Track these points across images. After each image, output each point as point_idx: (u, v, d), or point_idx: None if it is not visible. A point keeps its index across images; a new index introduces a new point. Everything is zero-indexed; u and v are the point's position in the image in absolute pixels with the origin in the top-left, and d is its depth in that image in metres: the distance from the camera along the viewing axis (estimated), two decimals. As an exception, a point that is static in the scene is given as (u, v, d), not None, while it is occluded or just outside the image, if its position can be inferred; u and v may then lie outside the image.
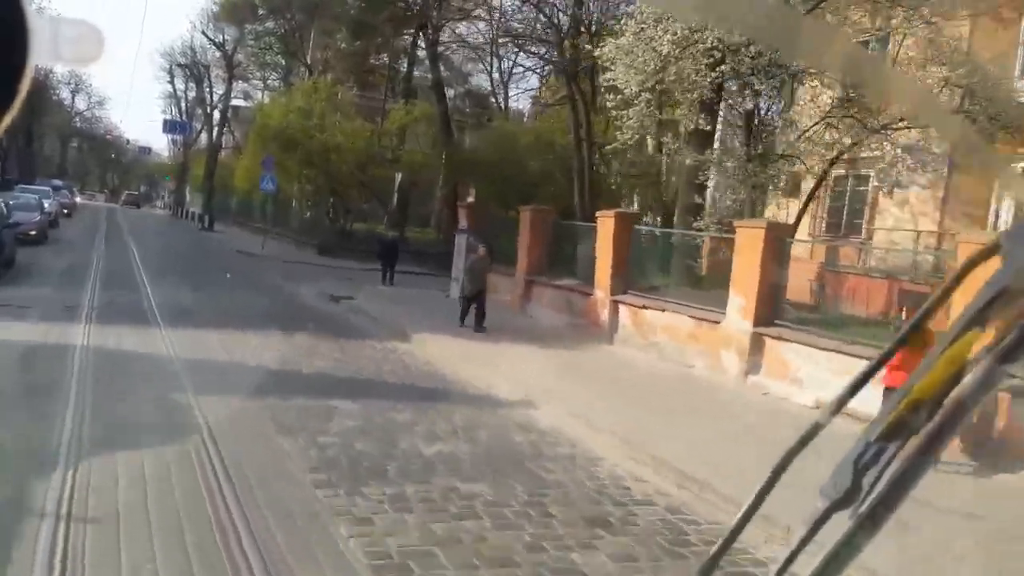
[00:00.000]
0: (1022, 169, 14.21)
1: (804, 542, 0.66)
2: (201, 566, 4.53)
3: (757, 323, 10.72)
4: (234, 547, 4.80)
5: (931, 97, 8.44)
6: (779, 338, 10.50)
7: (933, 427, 0.62)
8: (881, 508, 0.62)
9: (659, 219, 18.58)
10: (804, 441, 0.72)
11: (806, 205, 14.13)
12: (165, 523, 5.00)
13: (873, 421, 0.67)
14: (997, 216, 16.53)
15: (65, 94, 72.48)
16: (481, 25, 31.36)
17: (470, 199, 20.07)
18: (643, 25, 12.36)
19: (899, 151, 13.11)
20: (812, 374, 9.88)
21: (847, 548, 0.62)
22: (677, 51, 11.86)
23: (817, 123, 12.95)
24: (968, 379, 0.62)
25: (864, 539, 0.62)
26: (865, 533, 0.62)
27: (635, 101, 12.93)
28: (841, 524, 0.62)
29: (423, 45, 31.60)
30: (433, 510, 5.63)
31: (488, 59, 35.34)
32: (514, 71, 35.91)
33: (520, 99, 47.15)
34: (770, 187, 16.23)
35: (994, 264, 0.65)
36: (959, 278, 0.70)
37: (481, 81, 39.95)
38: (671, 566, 5.12)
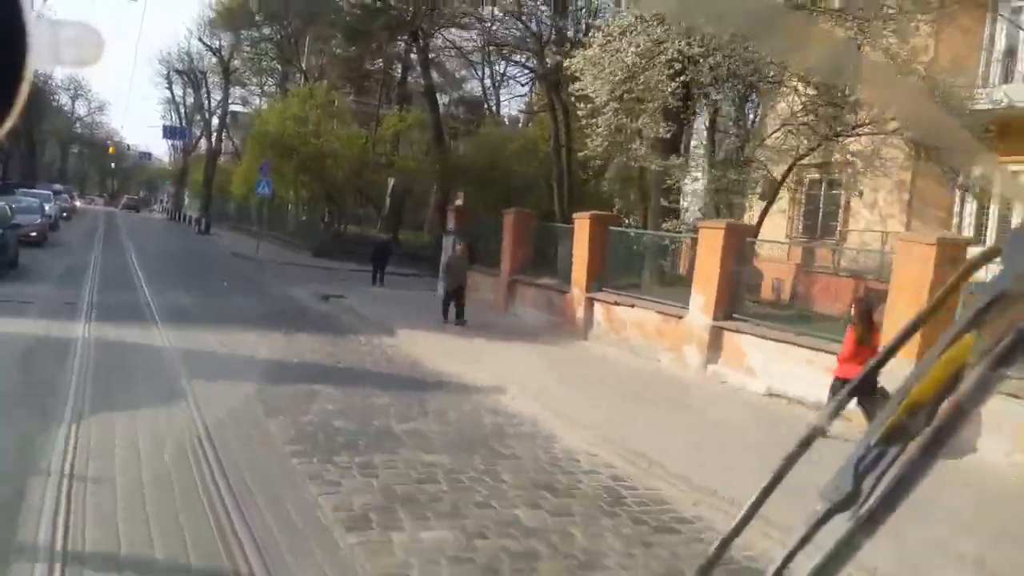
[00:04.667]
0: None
1: (803, 543, 0.68)
2: (189, 521, 5.18)
3: (716, 317, 11.39)
4: (217, 504, 5.46)
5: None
6: (736, 331, 11.17)
7: (932, 430, 0.62)
8: (881, 511, 0.62)
9: (639, 221, 19.27)
10: (803, 445, 0.74)
11: (767, 208, 14.83)
12: (158, 490, 5.66)
13: (873, 425, 0.68)
14: (961, 217, 17.24)
15: (65, 100, 73.42)
16: (472, 32, 32.10)
17: (458, 202, 20.74)
18: (609, 37, 13.08)
19: (850, 157, 13.77)
20: (764, 364, 10.56)
21: (846, 549, 0.63)
22: (643, 62, 12.58)
23: (776, 131, 13.64)
24: (966, 383, 0.62)
25: (863, 540, 0.63)
26: (864, 535, 0.63)
27: (603, 110, 13.65)
28: (841, 526, 0.64)
29: (416, 52, 32.34)
30: (397, 476, 6.31)
31: (479, 66, 36.09)
32: (503, 79, 36.71)
33: (512, 105, 47.90)
34: (748, 191, 16.94)
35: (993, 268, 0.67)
36: (959, 280, 0.72)
37: (474, 87, 40.75)
38: (605, 523, 5.79)
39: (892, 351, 0.73)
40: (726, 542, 0.80)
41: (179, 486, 5.69)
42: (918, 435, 0.63)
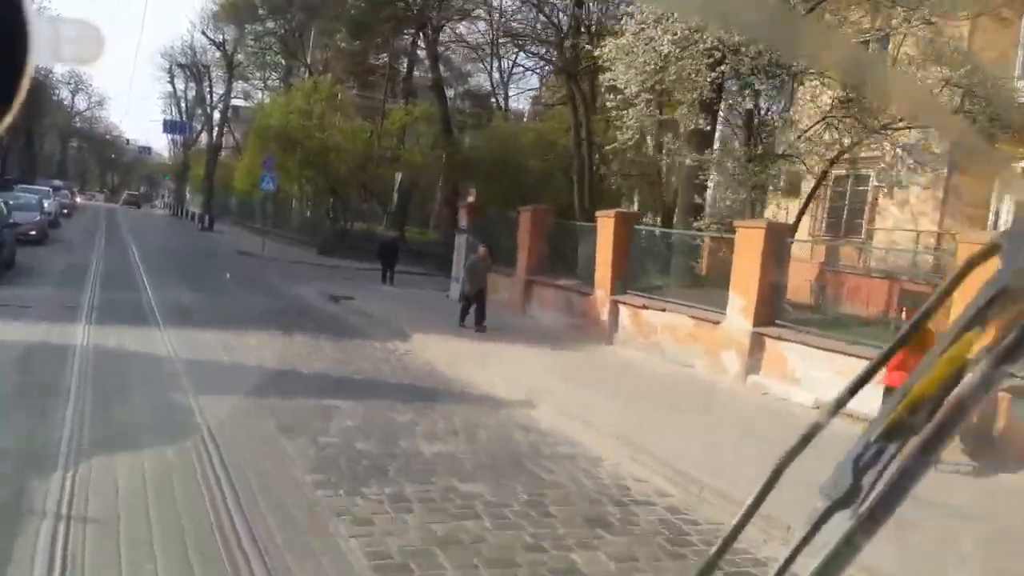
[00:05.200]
0: (1022, 169, 14.22)
1: (804, 542, 0.67)
2: (201, 567, 4.53)
3: (757, 323, 10.72)
4: (234, 547, 4.79)
5: (931, 97, 8.46)
6: (779, 338, 10.50)
7: (933, 427, 0.62)
8: (881, 508, 0.62)
9: (659, 219, 18.58)
10: (804, 441, 0.73)
11: (806, 205, 14.15)
12: (165, 523, 5.00)
13: (873, 421, 0.67)
14: (997, 216, 16.53)
15: (65, 94, 72.65)
16: (481, 25, 31.39)
17: (470, 199, 20.05)
18: (643, 25, 12.35)
19: (899, 151, 13.10)
20: (811, 374, 9.88)
21: (847, 548, 0.62)
22: (677, 51, 11.86)
23: (817, 123, 12.94)
24: (968, 379, 0.62)
25: (864, 539, 0.62)
26: (865, 533, 0.62)
27: (635, 101, 12.93)
28: (841, 524, 0.63)
29: (423, 45, 31.64)
30: (433, 510, 5.63)
31: (488, 59, 35.36)
32: (514, 71, 35.95)
33: (520, 99, 47.13)
34: (770, 187, 16.26)
35: (994, 264, 0.65)
36: (959, 278, 0.70)
37: (481, 81, 40.02)
38: (671, 566, 5.12)
39: (893, 350, 0.74)
40: (726, 542, 0.78)
41: (190, 525, 5.01)
42: (919, 432, 0.63)
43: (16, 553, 4.47)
